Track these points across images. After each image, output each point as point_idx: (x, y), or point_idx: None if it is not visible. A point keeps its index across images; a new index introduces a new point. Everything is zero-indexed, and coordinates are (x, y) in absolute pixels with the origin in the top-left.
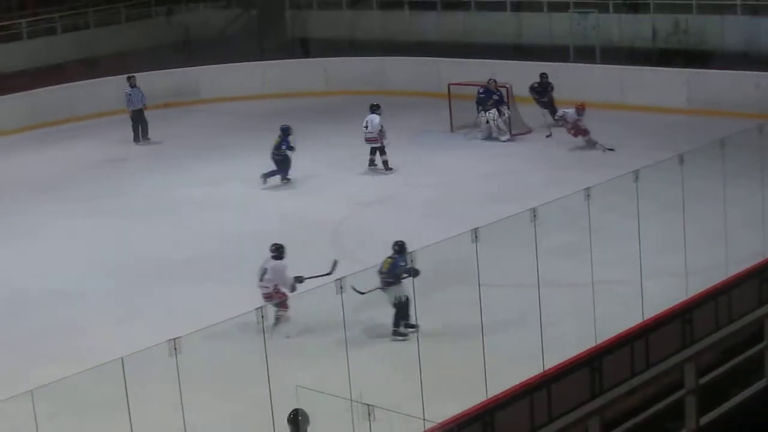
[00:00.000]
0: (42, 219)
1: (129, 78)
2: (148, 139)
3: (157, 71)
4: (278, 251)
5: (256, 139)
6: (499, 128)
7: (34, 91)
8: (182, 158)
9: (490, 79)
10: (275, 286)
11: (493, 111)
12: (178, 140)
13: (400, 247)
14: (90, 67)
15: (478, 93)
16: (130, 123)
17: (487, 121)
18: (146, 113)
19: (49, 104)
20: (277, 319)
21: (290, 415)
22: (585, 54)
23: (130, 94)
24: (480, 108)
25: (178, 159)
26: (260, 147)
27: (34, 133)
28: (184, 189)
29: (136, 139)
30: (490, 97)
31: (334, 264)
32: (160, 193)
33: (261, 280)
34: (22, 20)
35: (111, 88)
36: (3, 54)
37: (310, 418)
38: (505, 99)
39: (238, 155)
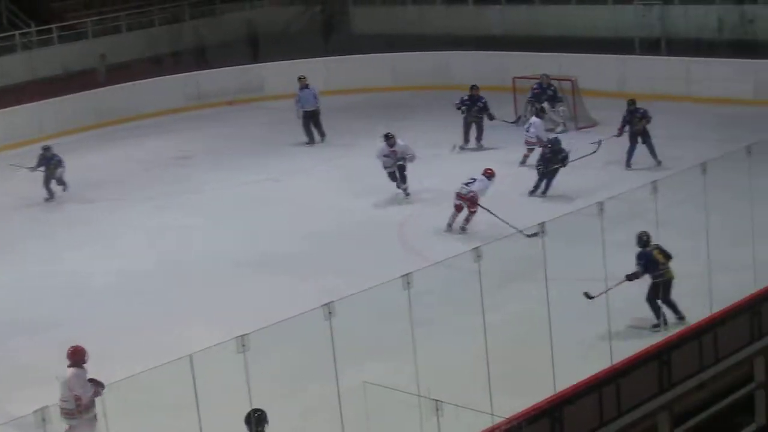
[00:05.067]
0: (107, 217)
1: (300, 79)
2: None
3: (222, 68)
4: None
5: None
6: (553, 120)
7: (99, 89)
8: (246, 155)
9: (542, 75)
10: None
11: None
12: (242, 137)
13: None
14: (155, 65)
15: (533, 89)
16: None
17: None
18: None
19: (114, 103)
20: None
21: (248, 415)
22: (650, 46)
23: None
24: (534, 103)
25: (242, 155)
26: (326, 142)
27: (99, 131)
28: (248, 185)
29: (310, 142)
30: (545, 92)
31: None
32: (224, 190)
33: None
34: (88, 19)
35: (175, 85)
36: (69, 53)
37: (379, 413)
38: (559, 93)
39: (301, 152)
